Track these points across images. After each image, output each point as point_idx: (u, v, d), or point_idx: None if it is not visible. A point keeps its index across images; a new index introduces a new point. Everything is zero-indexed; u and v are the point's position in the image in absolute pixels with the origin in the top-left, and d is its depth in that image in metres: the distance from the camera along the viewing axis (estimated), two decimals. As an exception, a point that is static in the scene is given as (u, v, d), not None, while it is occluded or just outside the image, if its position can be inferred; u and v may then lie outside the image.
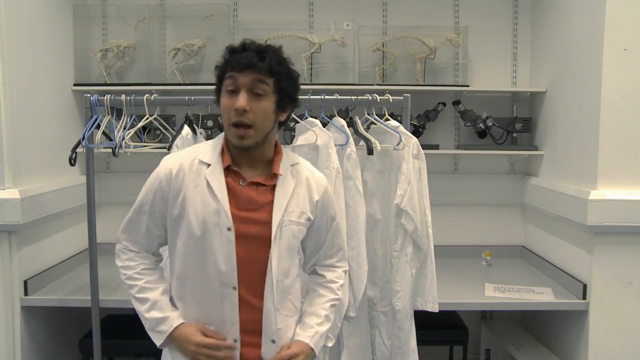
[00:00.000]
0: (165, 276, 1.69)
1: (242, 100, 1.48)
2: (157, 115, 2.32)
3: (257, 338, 1.57)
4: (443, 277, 2.45)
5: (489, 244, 3.22)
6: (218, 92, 1.58)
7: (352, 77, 3.13)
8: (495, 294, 2.56)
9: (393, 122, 2.21)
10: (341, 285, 1.74)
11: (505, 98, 3.20)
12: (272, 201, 1.57)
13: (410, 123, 2.53)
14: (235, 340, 1.55)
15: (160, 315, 1.57)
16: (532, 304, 2.51)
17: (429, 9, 3.18)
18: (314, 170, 1.72)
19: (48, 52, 2.74)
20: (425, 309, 2.23)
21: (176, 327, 1.56)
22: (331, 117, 2.26)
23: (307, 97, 2.17)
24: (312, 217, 1.65)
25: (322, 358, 2.07)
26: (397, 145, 2.15)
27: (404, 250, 2.18)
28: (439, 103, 3.04)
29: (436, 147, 3.04)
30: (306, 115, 2.19)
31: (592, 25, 2.41)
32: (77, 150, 2.20)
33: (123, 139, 2.20)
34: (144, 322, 1.60)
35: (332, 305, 1.70)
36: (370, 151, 2.11)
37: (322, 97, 2.18)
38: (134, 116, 2.21)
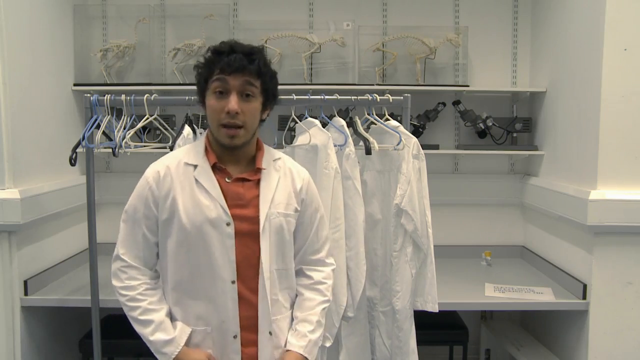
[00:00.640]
0: None
1: (234, 103, 1.52)
2: (157, 115, 2.31)
3: (254, 334, 1.59)
4: (443, 277, 2.45)
5: (489, 244, 3.22)
6: (202, 92, 1.61)
7: (352, 77, 3.13)
8: (495, 294, 2.56)
9: (393, 122, 2.20)
10: (330, 285, 1.74)
11: (505, 98, 3.20)
12: (259, 195, 1.60)
13: (410, 123, 2.53)
14: (235, 337, 1.57)
15: (166, 337, 1.58)
16: (532, 304, 2.51)
17: (429, 9, 3.18)
18: (295, 164, 1.76)
19: (48, 52, 2.74)
20: (425, 309, 2.23)
21: (182, 351, 1.57)
22: (331, 117, 2.26)
23: (307, 97, 2.17)
24: (299, 208, 1.67)
25: (320, 358, 2.07)
26: (397, 145, 2.14)
27: (403, 250, 2.18)
28: (439, 103, 3.04)
29: (436, 147, 3.04)
30: (306, 115, 2.19)
31: (592, 25, 2.41)
32: (77, 150, 2.20)
33: (123, 139, 2.20)
34: (148, 344, 1.60)
35: (323, 309, 1.70)
36: (368, 151, 2.11)
37: (322, 97, 2.18)
38: (134, 116, 2.21)
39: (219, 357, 1.60)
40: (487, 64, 3.20)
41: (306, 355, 1.63)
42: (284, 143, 2.29)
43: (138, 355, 2.62)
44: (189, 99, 2.16)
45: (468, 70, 3.18)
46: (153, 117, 2.29)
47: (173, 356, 1.57)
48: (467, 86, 3.07)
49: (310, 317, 1.66)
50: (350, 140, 2.13)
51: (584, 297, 2.41)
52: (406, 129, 2.20)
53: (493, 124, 3.00)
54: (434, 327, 2.67)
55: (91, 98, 2.18)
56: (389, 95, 2.20)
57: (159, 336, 1.57)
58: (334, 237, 2.06)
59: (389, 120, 2.22)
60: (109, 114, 2.20)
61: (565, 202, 2.58)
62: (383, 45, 3.09)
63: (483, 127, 3.01)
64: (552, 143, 2.90)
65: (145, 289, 1.61)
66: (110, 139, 2.29)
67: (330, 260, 1.78)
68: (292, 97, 2.17)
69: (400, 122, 2.22)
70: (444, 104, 3.05)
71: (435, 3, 3.19)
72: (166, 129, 2.49)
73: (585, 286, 2.41)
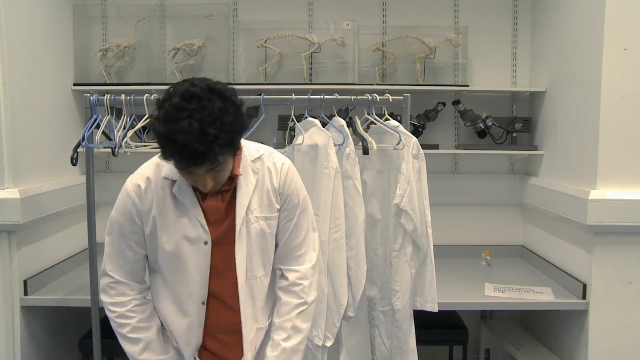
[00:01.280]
0: None
1: (208, 186, 1.43)
2: (157, 115, 2.31)
3: (238, 339, 1.59)
4: (443, 277, 2.45)
5: (489, 244, 3.22)
6: (164, 153, 1.38)
7: (352, 77, 3.13)
8: (495, 294, 2.56)
9: (393, 122, 2.21)
10: (307, 286, 1.63)
11: (505, 98, 3.20)
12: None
13: (410, 123, 2.53)
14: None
15: (155, 358, 1.56)
16: (532, 304, 2.51)
17: (429, 9, 3.18)
18: (277, 158, 1.65)
19: (48, 52, 2.74)
20: (425, 309, 2.23)
21: None
22: (331, 117, 2.26)
23: (307, 97, 2.17)
24: (278, 206, 1.61)
25: (321, 358, 2.07)
26: (397, 145, 2.14)
27: (403, 250, 2.18)
28: (439, 103, 3.04)
29: (436, 147, 3.04)
30: (306, 115, 2.19)
31: (592, 26, 2.41)
32: (78, 150, 2.20)
33: (123, 139, 2.20)
34: None
35: (300, 313, 1.61)
36: (365, 151, 2.11)
37: (322, 97, 2.18)
38: (134, 116, 2.21)
39: None
40: (487, 64, 3.20)
41: None
42: (286, 143, 2.29)
43: (138, 355, 2.62)
44: (189, 99, 2.15)
45: (468, 70, 3.18)
46: (153, 117, 2.29)
47: None
48: (467, 86, 3.07)
49: (285, 324, 1.60)
50: (350, 140, 2.13)
51: (584, 297, 2.41)
52: (406, 129, 2.20)
53: (493, 124, 3.00)
54: (434, 327, 2.67)
55: (91, 98, 2.18)
56: (389, 95, 2.20)
57: (148, 357, 1.55)
58: (335, 237, 2.06)
59: (389, 120, 2.23)
60: (109, 114, 2.20)
61: (565, 202, 2.58)
62: (383, 45, 3.09)
63: (483, 127, 3.01)
64: (552, 143, 2.90)
65: (135, 305, 1.58)
66: (110, 139, 2.29)
67: (311, 256, 1.66)
68: (292, 97, 2.17)
69: (400, 122, 2.22)
70: (444, 104, 3.05)
71: (435, 3, 3.19)
72: (166, 129, 2.48)
73: (585, 286, 2.41)
